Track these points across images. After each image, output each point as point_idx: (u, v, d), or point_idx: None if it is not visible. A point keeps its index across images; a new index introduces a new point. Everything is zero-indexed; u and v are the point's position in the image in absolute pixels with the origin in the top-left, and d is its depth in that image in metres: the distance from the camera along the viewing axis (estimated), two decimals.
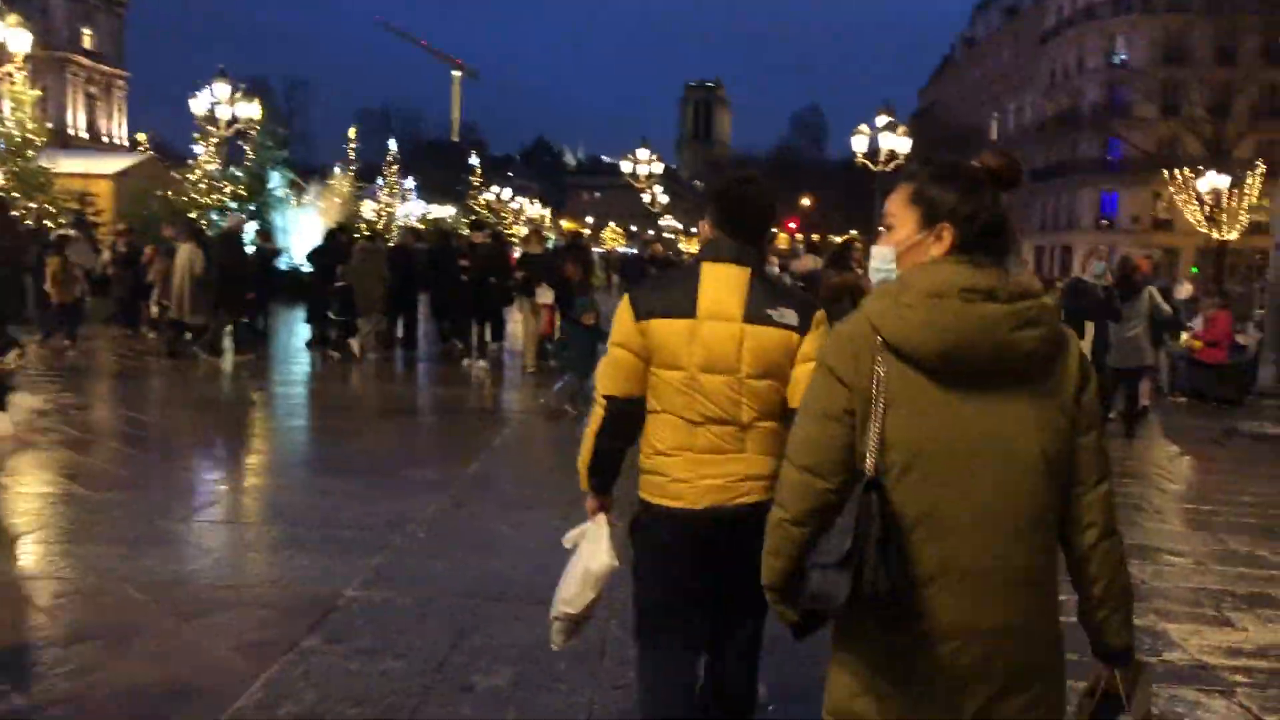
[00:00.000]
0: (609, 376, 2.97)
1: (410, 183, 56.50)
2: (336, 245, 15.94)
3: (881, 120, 26.17)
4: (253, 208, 24.60)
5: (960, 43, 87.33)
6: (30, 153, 20.50)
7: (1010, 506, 1.98)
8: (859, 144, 26.03)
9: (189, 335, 14.51)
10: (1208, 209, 46.31)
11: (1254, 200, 46.94)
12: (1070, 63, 63.35)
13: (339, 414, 11.16)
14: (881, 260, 2.13)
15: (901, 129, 26.83)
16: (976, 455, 1.96)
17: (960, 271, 1.97)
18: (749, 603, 2.77)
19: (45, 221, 19.47)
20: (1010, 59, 73.27)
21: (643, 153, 38.25)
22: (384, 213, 44.40)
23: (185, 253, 14.22)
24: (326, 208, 29.68)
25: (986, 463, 1.96)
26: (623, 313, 2.97)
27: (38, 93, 22.17)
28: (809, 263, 15.54)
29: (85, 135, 60.79)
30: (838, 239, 61.78)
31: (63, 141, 53.19)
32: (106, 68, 63.95)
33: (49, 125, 25.43)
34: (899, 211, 2.11)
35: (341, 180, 34.83)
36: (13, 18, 17.81)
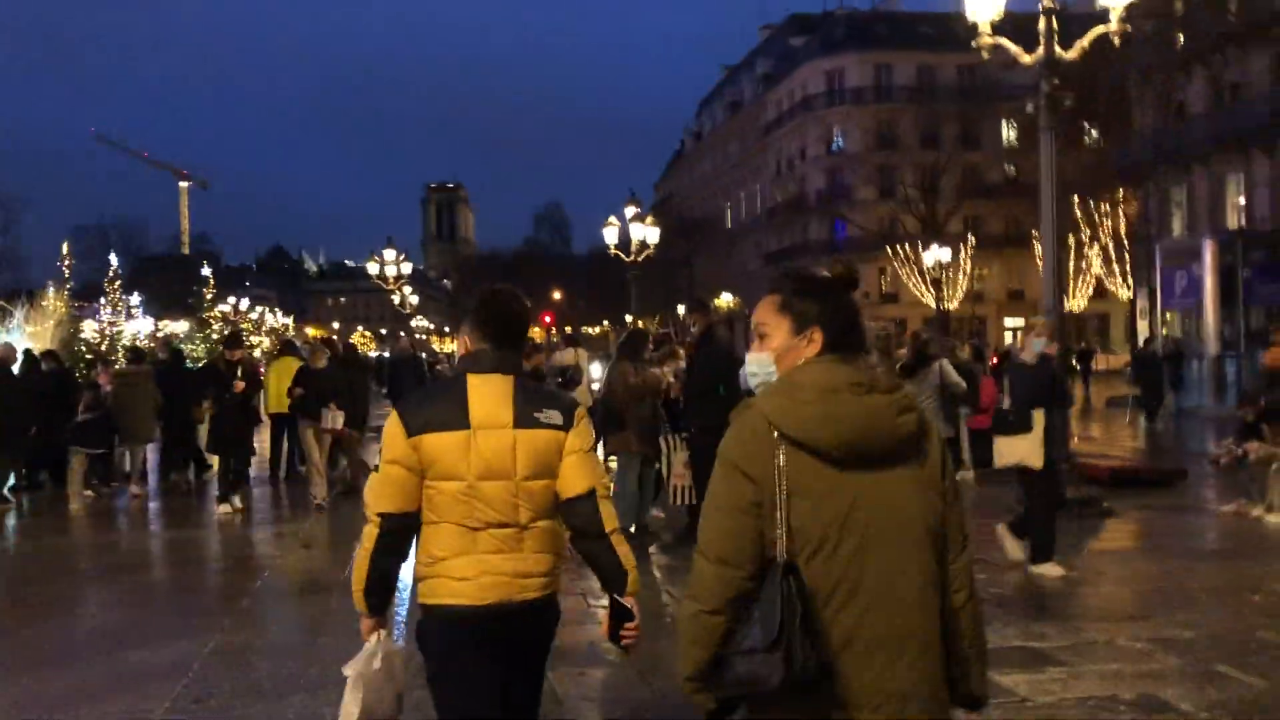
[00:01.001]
0: (384, 494, 2.97)
1: (136, 299, 52.59)
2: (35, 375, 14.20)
3: (630, 211, 26.33)
4: None
5: (689, 138, 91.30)
6: None
7: (907, 576, 2.19)
8: (610, 235, 26.02)
9: None
10: (930, 280, 49.87)
11: (969, 270, 51.06)
12: (794, 152, 67.22)
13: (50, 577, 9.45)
14: (760, 365, 2.35)
15: (649, 219, 27.12)
16: (875, 532, 2.16)
17: (842, 369, 2.22)
18: (531, 694, 3.16)
19: None
20: (737, 151, 77.08)
21: (389, 253, 37.10)
22: (107, 333, 40.92)
23: None
24: (37, 331, 26.74)
25: (884, 538, 2.17)
26: (393, 429, 2.97)
27: None
28: (570, 356, 15.02)
29: None
30: (594, 329, 62.18)
31: None
32: None
33: None
34: (770, 320, 2.35)
35: (55, 300, 31.70)
36: None
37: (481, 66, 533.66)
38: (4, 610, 8.14)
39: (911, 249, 50.79)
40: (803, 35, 69.33)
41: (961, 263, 50.31)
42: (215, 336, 48.31)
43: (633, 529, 9.32)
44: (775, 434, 2.16)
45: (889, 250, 52.74)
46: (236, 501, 12.24)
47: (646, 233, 26.04)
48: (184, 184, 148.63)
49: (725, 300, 60.99)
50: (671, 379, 10.32)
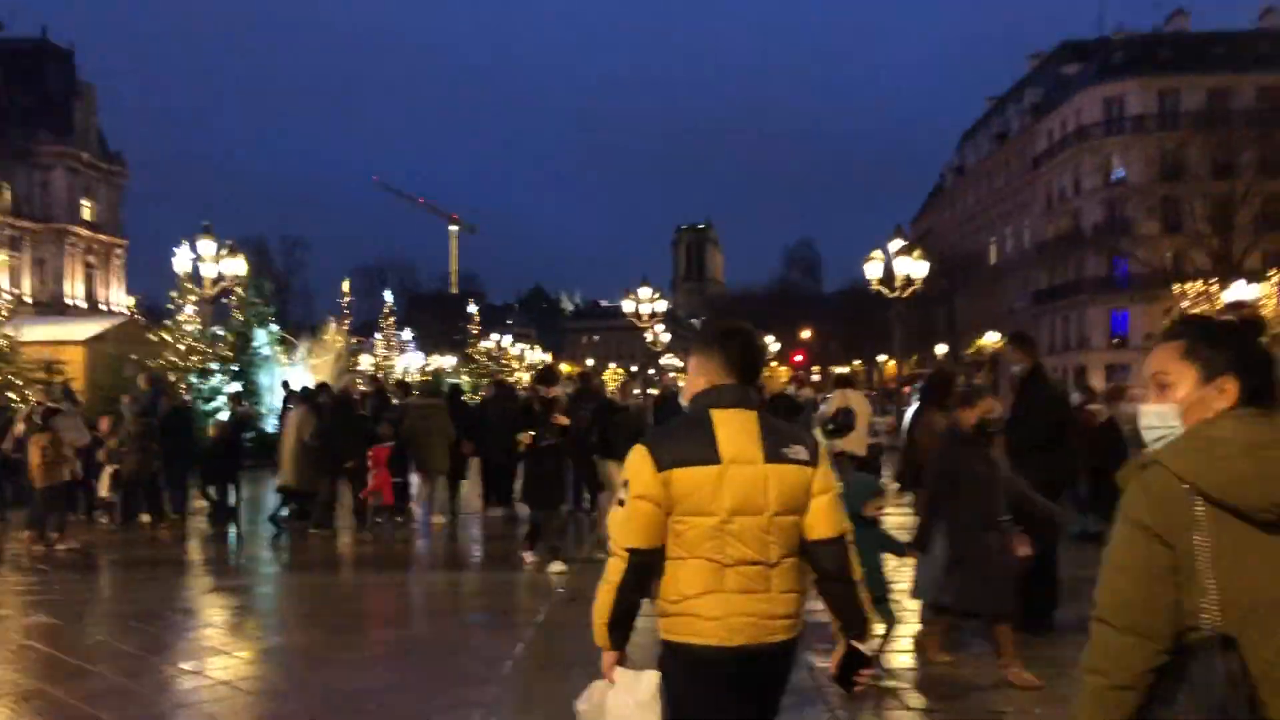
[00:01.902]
0: (632, 529, 2.95)
1: (408, 334, 55.61)
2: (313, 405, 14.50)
3: (894, 245, 25.10)
4: (236, 368, 23.31)
5: (950, 171, 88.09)
6: None
7: None
8: (873, 270, 24.85)
9: (285, 510, 13.37)
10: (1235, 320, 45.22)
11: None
12: (1066, 184, 63.31)
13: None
14: (1161, 418, 2.18)
15: (917, 253, 25.75)
16: None
17: (1266, 423, 2.06)
18: None
19: (9, 394, 17.98)
20: (1003, 184, 73.51)
21: (645, 291, 37.39)
22: (382, 365, 43.37)
23: (296, 417, 13.16)
24: (319, 364, 28.40)
25: None
26: (641, 464, 2.96)
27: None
28: (841, 400, 13.95)
29: (84, 304, 60.32)
30: (840, 369, 60.38)
31: (59, 310, 52.85)
32: (105, 236, 64.66)
33: (23, 295, 24.22)
34: (1173, 368, 2.20)
35: (335, 335, 33.70)
36: None
37: (737, 105, 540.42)
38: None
39: (1205, 286, 46.35)
40: (1076, 62, 65.37)
41: (1264, 301, 45.47)
42: (480, 370, 50.28)
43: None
44: (1191, 494, 2.01)
45: (1177, 288, 48.40)
46: (557, 565, 10.43)
47: (913, 267, 24.70)
48: (453, 228, 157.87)
49: (989, 340, 57.91)
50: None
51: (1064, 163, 63.06)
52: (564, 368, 75.29)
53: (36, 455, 12.31)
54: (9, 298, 20.52)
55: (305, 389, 15.61)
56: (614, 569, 2.96)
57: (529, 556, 10.78)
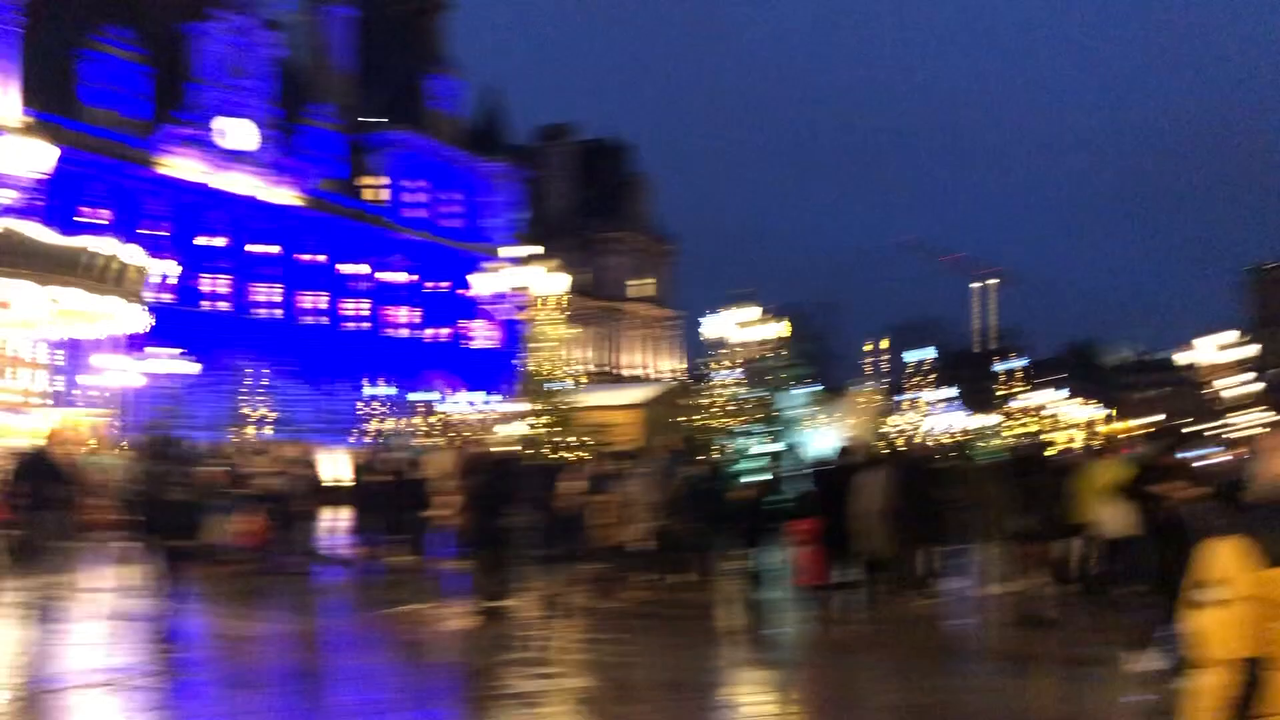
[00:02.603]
0: (1236, 635, 2.61)
1: (944, 393, 53.78)
2: (847, 466, 13.57)
3: None
4: (770, 428, 23.46)
5: None
6: (554, 388, 21.02)
7: None
8: None
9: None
10: None
11: None
12: None
13: None
14: None
15: None
16: None
17: None
18: None
19: (566, 454, 19.33)
20: None
21: (1211, 339, 32.63)
22: (914, 425, 42.13)
23: (878, 480, 12.27)
24: (853, 424, 27.93)
25: None
26: (1239, 555, 2.68)
27: (566, 331, 23.07)
28: None
29: (640, 372, 66.37)
30: None
31: (618, 379, 58.62)
32: (659, 310, 71.14)
33: (580, 364, 26.41)
34: None
35: (869, 395, 33.12)
36: (552, 263, 18.31)
37: None
38: None
39: None
40: None
41: None
42: (1021, 430, 47.07)
43: None
44: None
45: None
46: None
47: None
48: (986, 282, 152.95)
49: None
50: None
51: None
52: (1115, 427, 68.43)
53: (605, 513, 12.61)
54: (576, 369, 22.28)
55: (877, 452, 14.89)
56: (1214, 688, 2.64)
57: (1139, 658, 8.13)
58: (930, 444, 21.77)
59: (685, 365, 56.64)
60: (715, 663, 9.81)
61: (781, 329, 25.37)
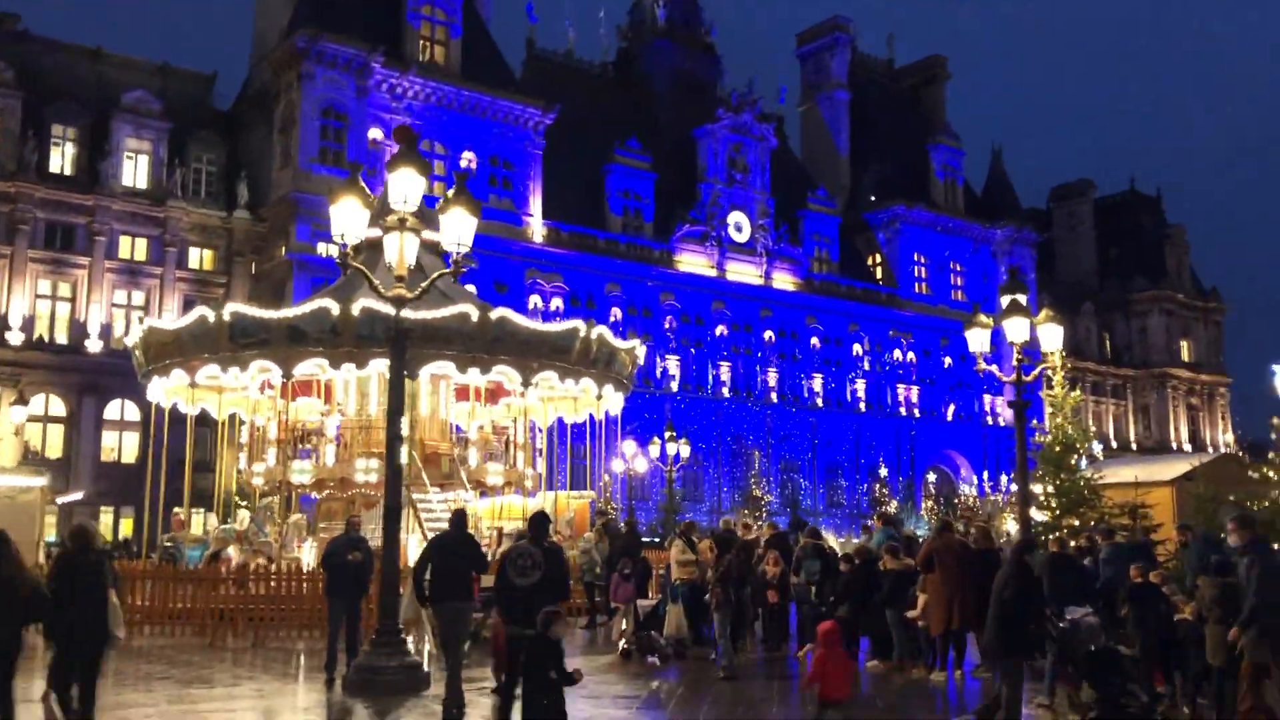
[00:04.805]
0: None
1: None
2: None
3: None
4: None
5: None
6: (1073, 461, 17.99)
7: None
8: None
9: None
10: None
11: None
12: None
13: None
14: None
15: None
16: None
17: None
18: None
19: (1055, 536, 16.16)
20: None
21: None
22: None
23: None
24: None
25: None
26: None
27: (1077, 396, 19.88)
28: None
29: (1188, 447, 58.76)
30: None
31: (1151, 453, 51.62)
32: (1206, 376, 64.11)
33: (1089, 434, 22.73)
34: None
35: None
36: (1044, 314, 15.77)
37: None
38: None
39: None
40: None
41: None
42: None
43: None
44: None
45: None
46: None
47: None
48: None
49: None
50: None
51: None
52: None
53: None
54: (1079, 435, 19.08)
55: None
56: None
57: None
58: None
59: (1237, 436, 48.38)
60: None
61: None
